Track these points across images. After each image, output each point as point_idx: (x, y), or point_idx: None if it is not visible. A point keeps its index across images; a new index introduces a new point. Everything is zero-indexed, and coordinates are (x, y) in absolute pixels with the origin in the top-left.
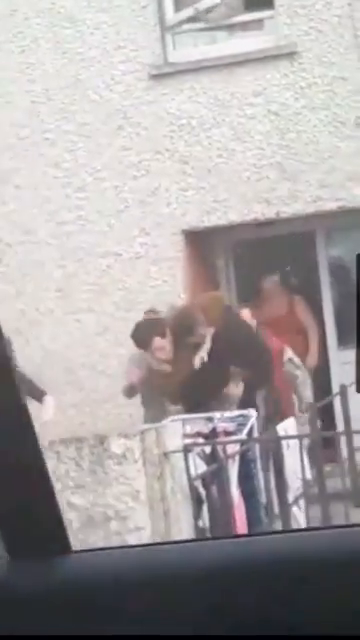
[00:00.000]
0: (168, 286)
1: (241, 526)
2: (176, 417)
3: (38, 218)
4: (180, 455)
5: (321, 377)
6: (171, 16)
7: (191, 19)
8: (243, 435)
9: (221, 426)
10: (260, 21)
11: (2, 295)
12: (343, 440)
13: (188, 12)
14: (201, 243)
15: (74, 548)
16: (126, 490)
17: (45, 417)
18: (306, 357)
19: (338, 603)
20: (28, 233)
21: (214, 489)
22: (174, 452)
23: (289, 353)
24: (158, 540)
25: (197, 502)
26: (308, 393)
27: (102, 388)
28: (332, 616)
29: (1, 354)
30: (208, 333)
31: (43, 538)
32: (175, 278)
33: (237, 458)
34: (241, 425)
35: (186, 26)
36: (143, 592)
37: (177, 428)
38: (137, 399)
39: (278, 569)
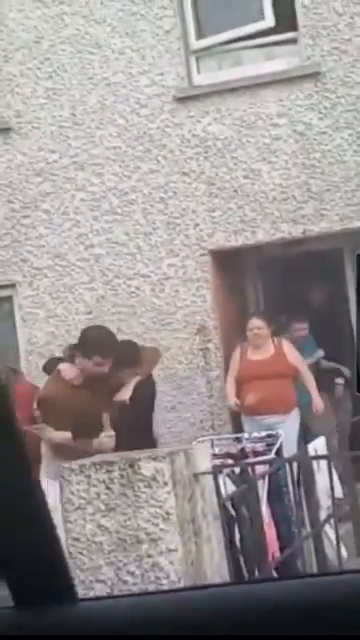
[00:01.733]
0: (197, 307)
1: (272, 546)
2: (204, 438)
3: (67, 242)
4: (210, 476)
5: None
6: (194, 40)
7: (215, 43)
8: (272, 455)
9: (249, 446)
10: (284, 43)
11: (33, 319)
12: None
13: (212, 37)
14: (229, 263)
15: (102, 576)
16: (157, 512)
17: None
18: (311, 406)
19: None
20: (57, 257)
21: (245, 509)
22: (204, 473)
23: None
24: (190, 561)
25: (228, 523)
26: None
27: None
28: None
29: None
30: (135, 379)
31: (49, 587)
32: (204, 298)
33: (267, 478)
34: (270, 445)
35: (210, 49)
36: None
37: (206, 449)
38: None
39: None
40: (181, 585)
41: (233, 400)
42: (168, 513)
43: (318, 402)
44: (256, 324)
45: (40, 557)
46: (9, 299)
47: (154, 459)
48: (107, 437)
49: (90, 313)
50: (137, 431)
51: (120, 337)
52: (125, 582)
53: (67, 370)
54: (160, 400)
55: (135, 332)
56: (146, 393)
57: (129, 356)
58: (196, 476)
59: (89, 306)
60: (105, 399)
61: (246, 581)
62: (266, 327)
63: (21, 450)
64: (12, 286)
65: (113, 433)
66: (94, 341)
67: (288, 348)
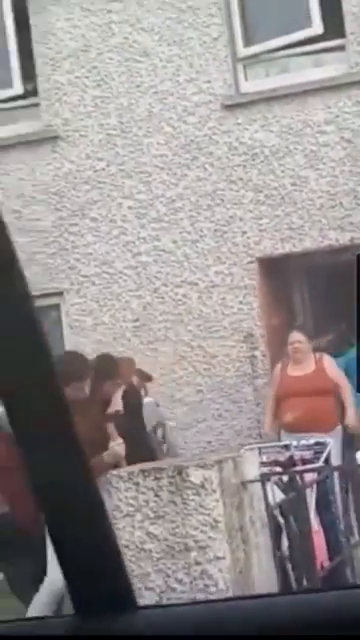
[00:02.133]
0: (244, 314)
1: (321, 555)
2: (252, 445)
3: (115, 249)
4: (258, 484)
5: None
6: (242, 47)
7: (262, 50)
8: (320, 463)
9: (298, 454)
10: (331, 49)
11: (80, 326)
12: None
13: (259, 45)
14: (276, 270)
15: (151, 583)
16: (205, 520)
17: None
18: (343, 420)
19: None
20: (105, 264)
21: (293, 518)
22: (252, 481)
23: None
24: (239, 569)
25: (276, 531)
26: None
27: (180, 417)
28: None
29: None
30: (120, 389)
31: (109, 594)
32: (251, 306)
33: (315, 486)
34: (318, 453)
35: (257, 56)
36: None
37: (254, 457)
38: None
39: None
40: (230, 593)
41: (267, 428)
42: (216, 521)
43: (352, 420)
44: (296, 338)
45: (100, 565)
46: (57, 307)
47: (202, 467)
48: (117, 445)
49: (137, 321)
50: (137, 439)
51: (167, 345)
52: (174, 590)
53: None
54: (207, 407)
55: (182, 340)
56: (134, 401)
57: (108, 368)
58: (244, 484)
59: (136, 314)
60: (98, 415)
61: (295, 591)
62: (307, 341)
63: (79, 453)
64: (60, 294)
65: (121, 440)
66: (67, 369)
67: (328, 363)
